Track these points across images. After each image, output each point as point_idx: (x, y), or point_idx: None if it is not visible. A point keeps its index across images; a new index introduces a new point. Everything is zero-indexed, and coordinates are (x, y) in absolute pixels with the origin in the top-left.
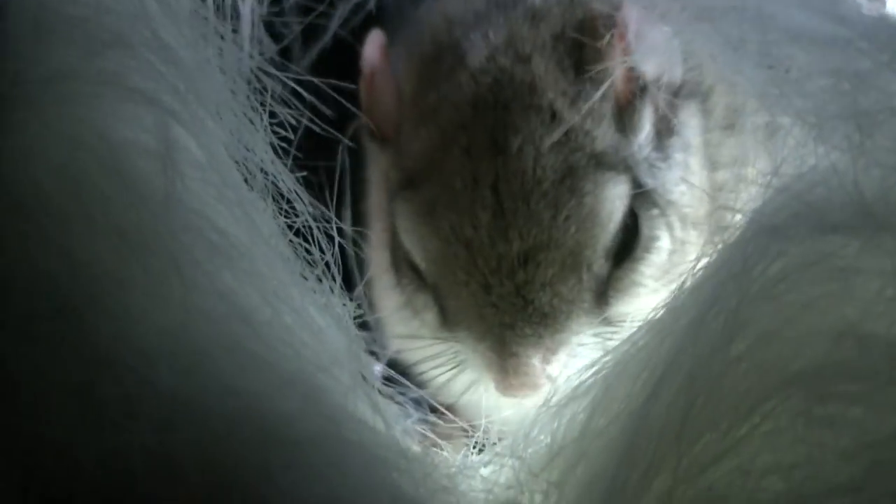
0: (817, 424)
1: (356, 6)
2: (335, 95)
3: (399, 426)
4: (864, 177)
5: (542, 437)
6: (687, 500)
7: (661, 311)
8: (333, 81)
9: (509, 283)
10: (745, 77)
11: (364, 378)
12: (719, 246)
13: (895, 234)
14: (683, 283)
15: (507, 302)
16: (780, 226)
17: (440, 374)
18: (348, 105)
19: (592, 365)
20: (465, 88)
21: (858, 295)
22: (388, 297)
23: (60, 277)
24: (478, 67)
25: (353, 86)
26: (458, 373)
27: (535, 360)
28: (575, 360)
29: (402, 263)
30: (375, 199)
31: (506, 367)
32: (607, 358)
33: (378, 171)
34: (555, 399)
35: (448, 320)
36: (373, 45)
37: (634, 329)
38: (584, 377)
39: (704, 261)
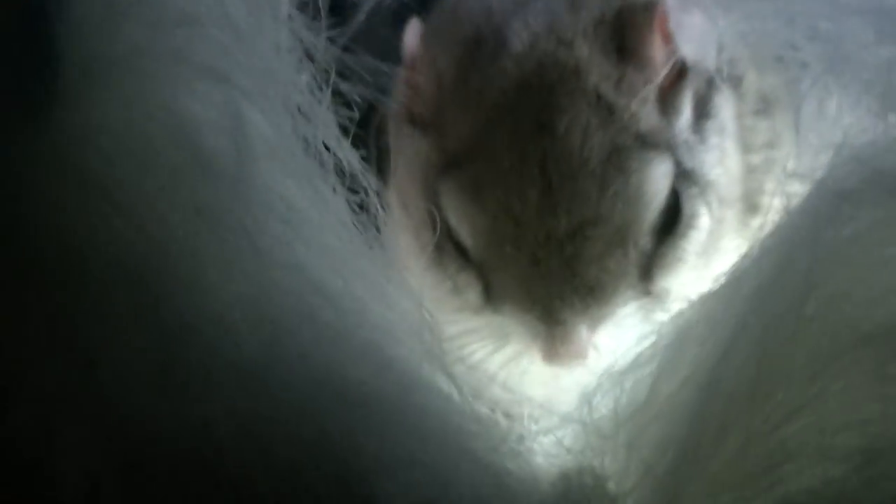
0: (891, 381)
1: None
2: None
3: (471, 394)
4: None
5: (605, 403)
6: (760, 457)
7: (723, 280)
8: (387, 63)
9: (558, 257)
10: (802, 51)
11: (437, 347)
12: (779, 217)
13: None
14: (746, 253)
15: (555, 274)
16: (849, 190)
17: (481, 349)
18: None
19: (652, 334)
20: (509, 72)
21: None
22: (425, 278)
23: (137, 250)
24: (521, 52)
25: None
26: (500, 346)
27: (582, 328)
28: (621, 331)
29: (445, 243)
30: (409, 182)
31: (553, 335)
32: (667, 329)
33: (415, 155)
34: (616, 368)
35: (493, 297)
36: (412, 34)
37: (696, 299)
38: (643, 346)
39: (767, 230)
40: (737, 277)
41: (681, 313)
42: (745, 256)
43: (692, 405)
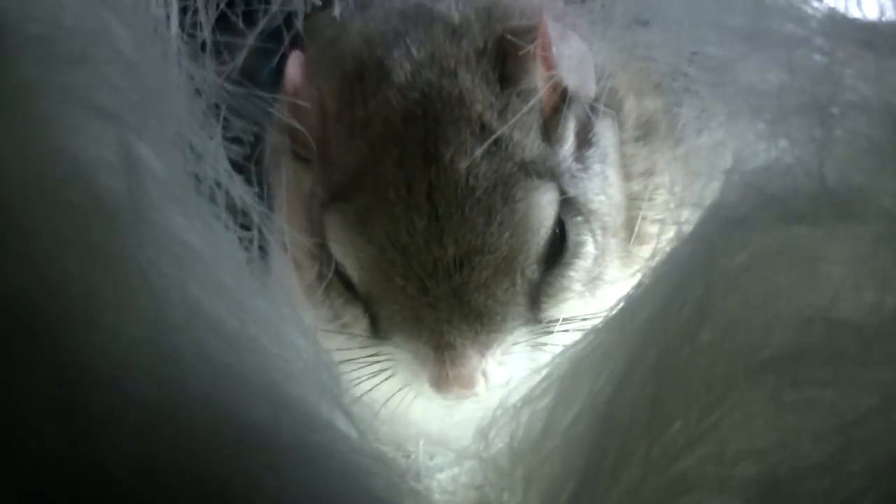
0: (788, 409)
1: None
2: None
3: (370, 429)
4: (825, 168)
5: (502, 437)
6: (658, 489)
7: (616, 310)
8: (275, 96)
9: (446, 285)
10: (692, 78)
11: (334, 385)
12: (670, 245)
13: (858, 222)
14: (639, 281)
15: (443, 301)
16: (743, 217)
17: (369, 380)
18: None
19: (545, 367)
20: (393, 103)
21: (824, 282)
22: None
23: (30, 292)
24: (404, 83)
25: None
26: (389, 375)
27: (472, 354)
28: (511, 359)
29: (330, 278)
30: (294, 217)
31: (442, 360)
32: (560, 359)
33: (299, 188)
34: (511, 401)
35: (380, 329)
36: (294, 66)
37: (588, 329)
38: (538, 379)
39: (657, 259)
40: (630, 306)
41: (574, 344)
42: (637, 285)
43: (589, 437)
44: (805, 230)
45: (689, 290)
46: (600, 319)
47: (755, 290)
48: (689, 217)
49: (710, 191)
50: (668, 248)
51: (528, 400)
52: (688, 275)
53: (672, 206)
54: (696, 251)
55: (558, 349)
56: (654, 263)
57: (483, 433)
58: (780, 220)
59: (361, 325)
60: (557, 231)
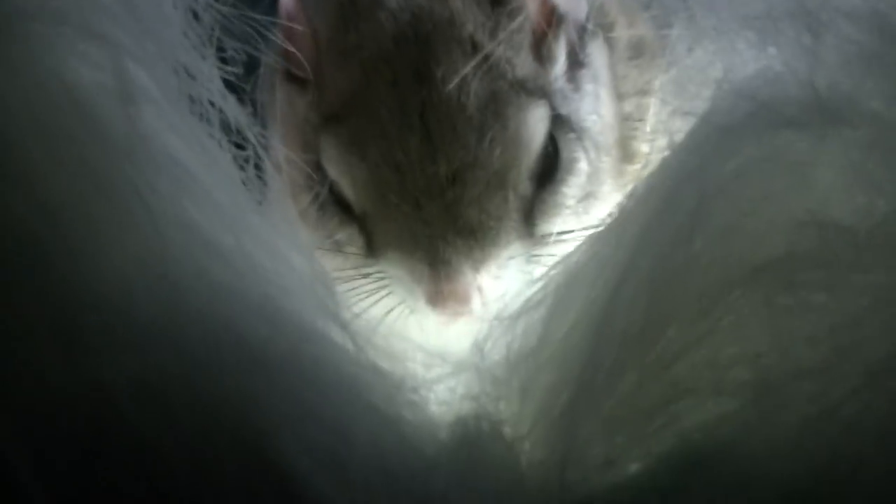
0: (782, 313)
1: None
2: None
3: (366, 342)
4: (815, 75)
5: (498, 349)
6: (654, 395)
7: (610, 220)
8: (269, 19)
9: (439, 202)
10: None
11: (329, 299)
12: (665, 153)
13: (848, 127)
14: (632, 191)
15: (437, 218)
16: (733, 125)
17: (366, 299)
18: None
19: (540, 280)
20: (385, 26)
21: (815, 186)
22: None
23: (29, 218)
24: (395, 6)
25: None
26: (385, 293)
27: (466, 269)
28: (506, 273)
29: (326, 200)
30: (289, 139)
31: (437, 276)
32: (555, 271)
33: (294, 112)
34: (507, 312)
35: (376, 248)
36: None
37: (583, 240)
38: (532, 291)
39: (650, 169)
40: (623, 216)
41: (569, 255)
42: (630, 195)
43: (584, 346)
44: (795, 136)
45: (682, 198)
46: (594, 230)
47: (747, 196)
48: (681, 126)
49: (702, 100)
50: (660, 158)
51: (523, 310)
52: (680, 183)
53: (664, 116)
54: (688, 160)
55: (553, 262)
56: (644, 174)
57: (479, 345)
58: (770, 126)
59: (357, 244)
60: (550, 149)
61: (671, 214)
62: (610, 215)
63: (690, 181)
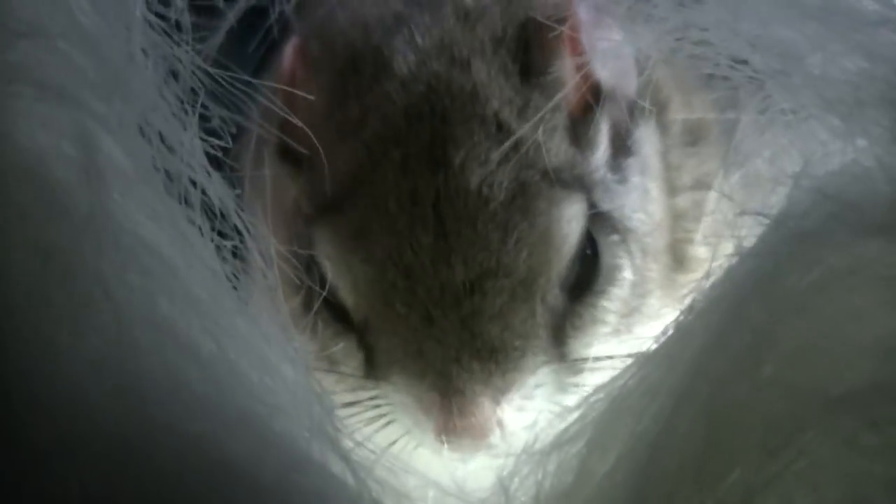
0: (865, 455)
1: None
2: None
3: (369, 476)
4: None
5: (526, 489)
6: None
7: (663, 339)
8: (273, 85)
9: (454, 314)
10: (754, 67)
11: (328, 422)
12: (730, 261)
13: None
14: (690, 305)
15: (451, 335)
16: (813, 230)
17: (364, 427)
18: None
19: (577, 407)
20: (394, 98)
21: None
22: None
23: None
24: (407, 74)
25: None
26: (386, 422)
27: (485, 400)
28: (531, 405)
29: (318, 303)
30: (275, 230)
31: (450, 407)
32: (595, 398)
33: (283, 195)
34: (537, 446)
35: (377, 367)
36: (293, 54)
37: (630, 362)
38: (569, 420)
39: (712, 280)
40: (678, 335)
41: (612, 380)
42: (687, 310)
43: (629, 489)
44: (886, 245)
45: (750, 314)
46: (643, 350)
47: (827, 314)
48: (751, 229)
49: (776, 199)
50: (724, 266)
51: (556, 444)
52: (748, 297)
53: (729, 215)
54: (759, 269)
55: (590, 390)
56: (707, 284)
57: (504, 484)
58: (856, 232)
59: (354, 361)
60: (588, 252)
61: (736, 334)
62: (663, 333)
63: (760, 295)
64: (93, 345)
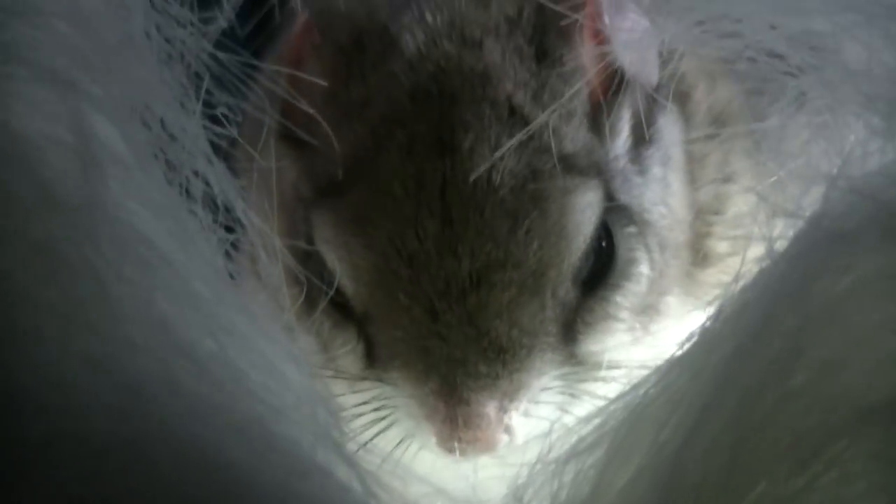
0: None
1: None
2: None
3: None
4: None
5: (540, 500)
6: None
7: (688, 345)
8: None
9: (459, 308)
10: (787, 59)
11: (333, 426)
12: (762, 263)
13: None
14: (718, 310)
15: (456, 332)
16: (849, 232)
17: (363, 427)
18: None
19: (596, 415)
20: (400, 78)
21: None
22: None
23: None
24: (415, 54)
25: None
26: (385, 426)
27: (491, 409)
28: (539, 409)
29: (317, 293)
30: (276, 216)
31: (454, 417)
32: (615, 406)
33: (281, 180)
34: (552, 454)
35: (377, 360)
36: (300, 32)
37: (653, 368)
38: (587, 429)
39: (741, 284)
40: (704, 341)
41: (634, 387)
42: (714, 315)
43: (649, 502)
44: None
45: (780, 320)
46: (666, 357)
47: (862, 320)
48: (783, 231)
49: (810, 199)
50: (754, 270)
51: (573, 454)
52: (779, 301)
53: (760, 216)
54: (790, 273)
55: (602, 398)
56: (736, 289)
57: (518, 493)
58: (891, 235)
59: (355, 353)
60: (604, 244)
61: (766, 341)
62: (688, 339)
63: (792, 299)
64: (84, 342)
